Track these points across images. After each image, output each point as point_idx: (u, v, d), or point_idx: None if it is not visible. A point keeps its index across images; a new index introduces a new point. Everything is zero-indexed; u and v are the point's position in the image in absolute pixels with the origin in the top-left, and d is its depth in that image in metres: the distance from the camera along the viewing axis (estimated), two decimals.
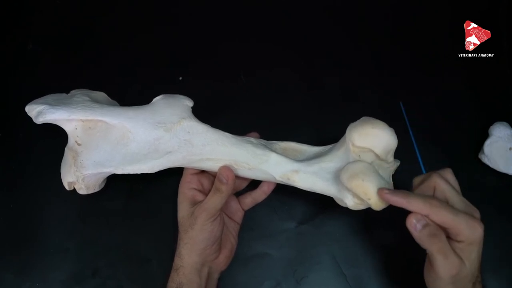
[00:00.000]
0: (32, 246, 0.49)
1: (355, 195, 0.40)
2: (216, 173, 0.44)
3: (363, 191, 0.38)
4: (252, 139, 0.46)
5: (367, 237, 0.50)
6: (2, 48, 0.57)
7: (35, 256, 0.48)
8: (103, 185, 0.48)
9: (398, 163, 0.43)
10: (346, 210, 0.50)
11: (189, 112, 0.45)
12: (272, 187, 0.47)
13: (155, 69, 0.56)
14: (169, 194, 0.50)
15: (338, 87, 0.56)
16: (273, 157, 0.44)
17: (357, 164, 0.40)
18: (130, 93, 0.55)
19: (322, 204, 0.50)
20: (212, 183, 0.45)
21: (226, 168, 0.43)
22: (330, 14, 0.59)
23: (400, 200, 0.37)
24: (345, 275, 0.48)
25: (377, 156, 0.41)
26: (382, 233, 0.50)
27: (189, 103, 0.46)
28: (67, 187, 0.45)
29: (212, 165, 0.44)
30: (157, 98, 0.47)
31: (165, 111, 0.45)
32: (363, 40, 0.58)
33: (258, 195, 0.47)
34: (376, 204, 0.39)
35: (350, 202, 0.41)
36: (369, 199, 0.38)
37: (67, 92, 0.49)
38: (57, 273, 0.48)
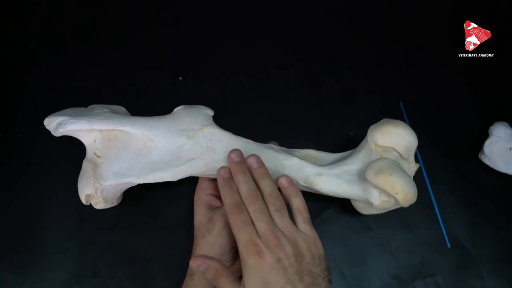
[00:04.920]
0: (32, 246, 0.49)
1: (382, 192, 0.40)
2: None
3: (390, 186, 0.39)
4: (273, 146, 0.46)
5: (367, 237, 0.50)
6: (2, 48, 0.57)
7: (35, 256, 0.48)
8: (120, 200, 0.47)
9: (418, 165, 0.44)
10: (347, 210, 0.50)
11: (210, 120, 0.46)
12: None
13: (155, 69, 0.56)
14: (169, 195, 0.50)
15: (338, 87, 0.56)
16: (295, 161, 0.44)
17: (383, 160, 0.40)
18: (130, 92, 0.55)
19: (322, 204, 0.50)
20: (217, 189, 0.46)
21: None
22: (330, 14, 0.59)
23: None
24: (345, 275, 0.48)
25: (399, 154, 0.42)
26: (382, 233, 0.50)
27: (210, 112, 0.47)
28: (84, 201, 0.44)
29: None
30: (178, 108, 0.47)
31: (187, 119, 0.45)
32: (363, 40, 0.58)
33: None
34: (404, 198, 0.39)
35: (376, 200, 0.41)
36: (396, 193, 0.39)
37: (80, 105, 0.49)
38: (57, 273, 0.48)
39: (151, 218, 0.50)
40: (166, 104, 0.54)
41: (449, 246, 0.49)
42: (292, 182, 0.42)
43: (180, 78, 0.56)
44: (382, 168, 0.39)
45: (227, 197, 0.39)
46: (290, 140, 0.52)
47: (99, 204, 0.45)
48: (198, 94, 0.55)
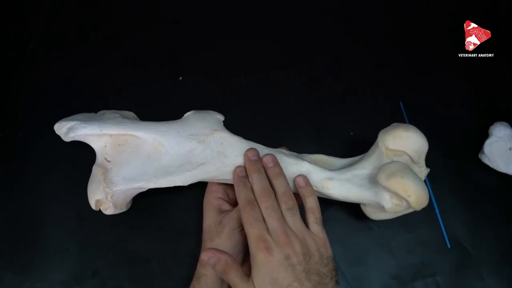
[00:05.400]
0: (32, 246, 0.49)
1: (394, 196, 0.40)
2: None
3: (402, 188, 0.39)
4: (284, 151, 0.46)
5: (367, 237, 0.50)
6: (2, 48, 0.57)
7: (35, 256, 0.48)
8: (129, 205, 0.47)
9: (428, 169, 0.44)
10: (347, 210, 0.50)
11: (221, 124, 0.46)
12: (300, 202, 0.47)
13: (155, 69, 0.56)
14: (170, 195, 0.50)
15: (338, 87, 0.56)
16: (306, 165, 0.44)
17: (395, 163, 0.41)
18: (130, 92, 0.55)
19: (322, 204, 0.50)
20: (227, 194, 0.46)
21: None
22: (330, 14, 0.59)
23: None
24: (345, 275, 0.48)
25: (410, 158, 0.42)
26: (382, 233, 0.50)
27: (220, 117, 0.47)
28: (94, 206, 0.44)
29: None
30: (188, 113, 0.47)
31: (197, 124, 0.45)
32: (363, 40, 0.58)
33: None
34: (416, 201, 0.39)
35: (388, 204, 0.41)
36: (409, 196, 0.39)
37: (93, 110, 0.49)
38: (57, 273, 0.48)
39: (151, 218, 0.50)
40: (166, 104, 0.54)
41: (449, 246, 0.49)
42: (308, 181, 0.43)
43: (180, 78, 0.56)
44: (394, 171, 0.40)
45: (241, 194, 0.40)
46: (290, 140, 0.52)
47: (109, 210, 0.44)
48: (198, 94, 0.55)
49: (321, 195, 0.45)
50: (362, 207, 0.45)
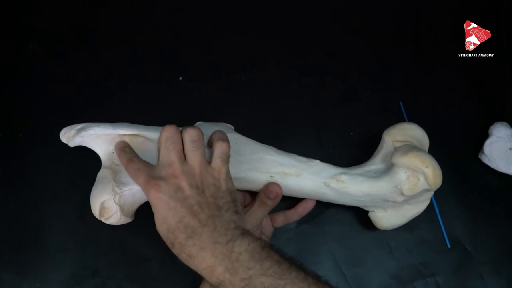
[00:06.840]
0: (32, 246, 0.49)
1: (410, 174, 0.41)
2: (257, 191, 0.44)
3: (420, 160, 0.40)
4: (294, 154, 0.47)
5: (367, 237, 0.50)
6: (2, 48, 0.57)
7: (35, 256, 0.48)
8: (133, 217, 0.45)
9: None
10: (347, 210, 0.50)
11: (232, 129, 0.47)
12: (307, 209, 0.47)
13: (155, 69, 0.56)
14: None
15: (339, 87, 0.56)
16: (318, 163, 0.45)
17: (406, 144, 0.43)
18: (130, 93, 0.55)
19: (322, 204, 0.50)
20: (244, 198, 0.47)
21: (276, 185, 0.43)
22: (330, 13, 0.59)
23: None
24: (345, 275, 0.48)
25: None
26: (382, 233, 0.50)
27: (231, 126, 0.48)
28: (97, 211, 0.42)
29: (259, 178, 0.44)
30: (199, 122, 0.48)
31: (210, 128, 0.45)
32: (363, 40, 0.58)
33: (291, 215, 0.47)
34: (433, 173, 0.40)
35: (405, 185, 0.42)
36: (427, 166, 0.40)
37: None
38: (57, 273, 0.48)
39: (151, 218, 0.50)
40: (166, 104, 0.54)
41: (449, 246, 0.49)
42: None
43: (180, 78, 0.56)
44: (409, 148, 0.42)
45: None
46: (290, 139, 0.52)
47: (113, 216, 0.42)
48: (198, 94, 0.55)
49: (336, 195, 0.45)
50: (371, 215, 0.46)
